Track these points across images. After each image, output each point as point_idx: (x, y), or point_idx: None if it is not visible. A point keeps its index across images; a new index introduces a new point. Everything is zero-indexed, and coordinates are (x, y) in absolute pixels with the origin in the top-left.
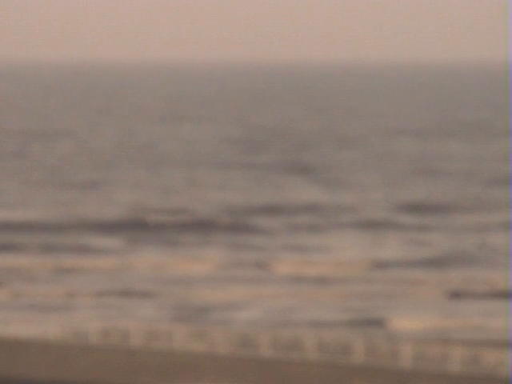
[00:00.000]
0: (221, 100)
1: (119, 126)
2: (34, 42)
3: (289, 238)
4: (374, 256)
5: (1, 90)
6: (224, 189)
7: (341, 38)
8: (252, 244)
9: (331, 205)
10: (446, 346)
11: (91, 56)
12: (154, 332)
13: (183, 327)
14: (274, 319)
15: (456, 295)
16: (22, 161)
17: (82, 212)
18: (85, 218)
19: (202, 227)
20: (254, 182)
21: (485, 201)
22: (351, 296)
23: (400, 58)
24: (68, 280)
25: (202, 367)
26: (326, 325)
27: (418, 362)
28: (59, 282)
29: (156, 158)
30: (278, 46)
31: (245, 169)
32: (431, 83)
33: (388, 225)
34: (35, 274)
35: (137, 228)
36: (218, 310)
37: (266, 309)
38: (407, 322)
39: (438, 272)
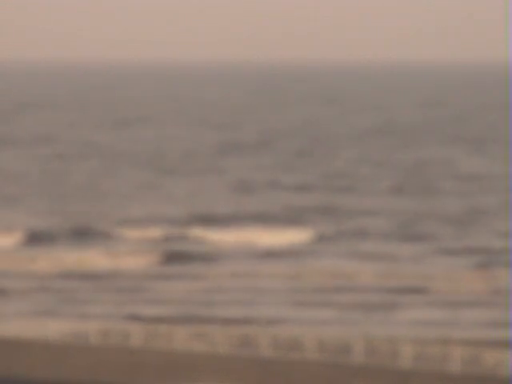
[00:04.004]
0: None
1: (144, 131)
2: (32, 42)
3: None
4: None
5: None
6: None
7: (341, 38)
8: None
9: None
10: (445, 346)
11: (89, 56)
12: (153, 332)
13: (183, 327)
14: None
15: None
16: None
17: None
18: None
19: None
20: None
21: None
22: None
23: (400, 58)
24: None
25: (202, 367)
26: None
27: (418, 362)
28: None
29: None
30: (277, 46)
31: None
32: (434, 83)
33: None
34: None
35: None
36: None
37: None
38: None
39: None
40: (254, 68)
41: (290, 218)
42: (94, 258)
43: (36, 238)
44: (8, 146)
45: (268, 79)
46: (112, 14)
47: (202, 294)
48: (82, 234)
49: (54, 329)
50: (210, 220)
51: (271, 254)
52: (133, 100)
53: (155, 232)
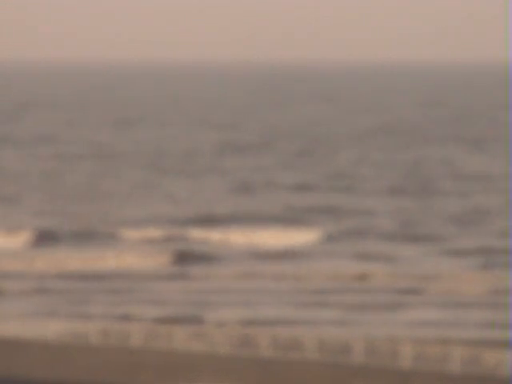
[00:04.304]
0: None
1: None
2: (32, 42)
3: None
4: None
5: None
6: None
7: (341, 38)
8: None
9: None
10: (445, 346)
11: (89, 56)
12: (153, 332)
13: (183, 327)
14: None
15: None
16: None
17: None
18: None
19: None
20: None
21: None
22: None
23: (399, 58)
24: None
25: (202, 367)
26: None
27: (418, 362)
28: None
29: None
30: (277, 46)
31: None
32: (431, 83)
33: None
34: None
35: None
36: None
37: None
38: None
39: None
40: (254, 68)
41: (294, 218)
42: (103, 259)
43: (45, 239)
44: (8, 145)
45: (268, 79)
46: (112, 14)
47: (217, 294)
48: (87, 235)
49: (54, 329)
50: (214, 221)
51: (279, 255)
52: (133, 100)
53: (160, 233)
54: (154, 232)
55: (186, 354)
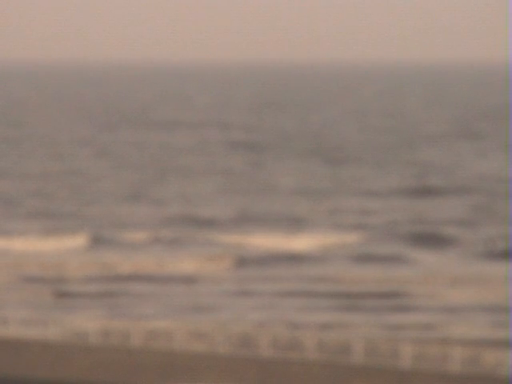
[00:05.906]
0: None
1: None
2: (32, 42)
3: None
4: None
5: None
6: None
7: (339, 39)
8: None
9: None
10: (445, 346)
11: (90, 56)
12: (153, 332)
13: (183, 327)
14: None
15: None
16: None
17: None
18: None
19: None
20: None
21: None
22: None
23: (399, 58)
24: None
25: (202, 367)
26: None
27: (418, 362)
28: None
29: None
30: (277, 46)
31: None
32: (432, 83)
33: None
34: None
35: None
36: None
37: None
38: None
39: None
40: (254, 68)
41: (298, 220)
42: (168, 263)
43: (99, 242)
44: (7, 145)
45: (268, 79)
46: (112, 14)
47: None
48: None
49: (54, 329)
50: (218, 222)
51: (329, 259)
52: (133, 100)
53: (182, 234)
54: (166, 233)
55: (186, 354)
